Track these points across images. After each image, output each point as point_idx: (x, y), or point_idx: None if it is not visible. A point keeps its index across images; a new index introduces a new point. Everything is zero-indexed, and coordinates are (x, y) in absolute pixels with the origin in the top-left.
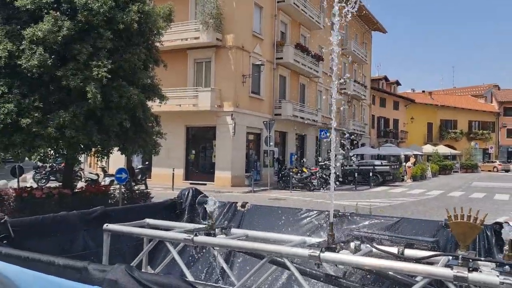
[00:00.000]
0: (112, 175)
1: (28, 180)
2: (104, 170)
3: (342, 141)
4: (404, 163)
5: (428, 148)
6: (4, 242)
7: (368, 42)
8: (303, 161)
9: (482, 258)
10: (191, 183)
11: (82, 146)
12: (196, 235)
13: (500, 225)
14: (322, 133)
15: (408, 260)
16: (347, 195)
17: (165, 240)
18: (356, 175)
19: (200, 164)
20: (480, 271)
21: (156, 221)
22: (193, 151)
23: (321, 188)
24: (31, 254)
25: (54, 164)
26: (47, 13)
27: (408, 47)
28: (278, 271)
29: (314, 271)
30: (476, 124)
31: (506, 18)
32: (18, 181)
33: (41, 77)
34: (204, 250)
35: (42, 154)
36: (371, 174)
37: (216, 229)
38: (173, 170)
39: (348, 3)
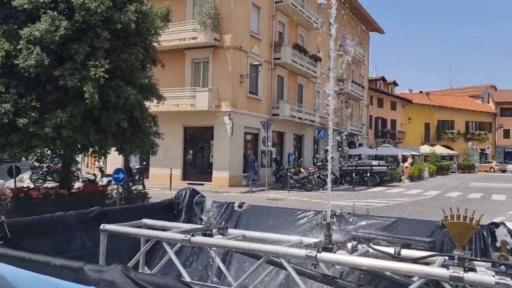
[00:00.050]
0: (109, 175)
1: (25, 180)
2: (101, 170)
3: (339, 142)
4: (402, 164)
5: (426, 149)
6: (1, 242)
7: (365, 43)
8: (301, 161)
9: (478, 258)
10: (188, 183)
11: (79, 146)
12: (193, 235)
13: (496, 225)
14: (319, 133)
15: (405, 260)
16: (345, 195)
17: (162, 241)
18: (353, 175)
19: (197, 164)
20: (476, 271)
21: (153, 221)
22: (191, 151)
23: (319, 189)
24: (27, 254)
25: (51, 164)
26: (44, 13)
27: (404, 45)
28: (275, 271)
29: (311, 271)
30: (473, 125)
31: (501, 14)
32: (15, 181)
33: (38, 77)
34: (201, 251)
35: (39, 154)
36: (368, 174)
37: (213, 230)
38: (171, 170)
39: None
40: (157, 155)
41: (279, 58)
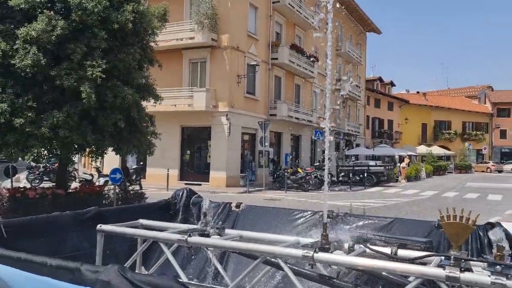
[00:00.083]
0: (106, 176)
1: (22, 180)
2: (98, 170)
3: (336, 142)
4: (399, 164)
5: (422, 149)
6: None
7: (363, 43)
8: (298, 161)
9: (474, 258)
10: (186, 184)
11: (76, 146)
12: (190, 235)
13: (492, 225)
14: (317, 133)
15: (401, 260)
16: (342, 195)
17: (159, 241)
18: (350, 176)
19: (195, 165)
20: (472, 271)
21: (150, 221)
22: (188, 152)
23: (316, 189)
24: (23, 254)
25: (48, 164)
26: (41, 13)
27: (401, 45)
28: (272, 271)
29: (308, 272)
30: (469, 125)
31: (499, 14)
32: (12, 181)
33: (35, 77)
34: (198, 251)
35: (35, 154)
36: (365, 174)
37: (210, 230)
38: (168, 171)
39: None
40: (154, 155)
41: (277, 58)
